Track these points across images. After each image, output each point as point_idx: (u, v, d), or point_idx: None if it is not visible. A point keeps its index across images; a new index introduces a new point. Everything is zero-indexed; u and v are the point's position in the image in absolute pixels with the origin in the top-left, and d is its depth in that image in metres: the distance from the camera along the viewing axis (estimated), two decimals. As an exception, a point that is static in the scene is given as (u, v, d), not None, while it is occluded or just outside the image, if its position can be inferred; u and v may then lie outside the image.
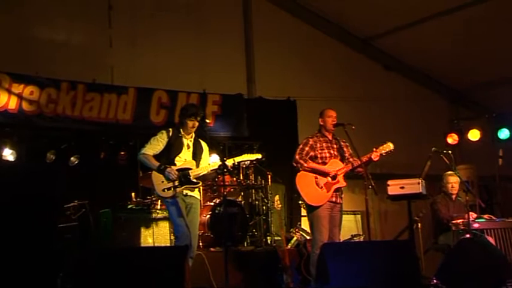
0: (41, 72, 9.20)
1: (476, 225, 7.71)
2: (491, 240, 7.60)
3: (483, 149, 11.78)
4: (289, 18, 11.92)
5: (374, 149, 6.95)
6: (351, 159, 6.99)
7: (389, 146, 6.99)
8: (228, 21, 11.38)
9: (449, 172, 8.25)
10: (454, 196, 8.35)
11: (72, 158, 9.16)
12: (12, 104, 8.96)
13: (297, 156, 6.96)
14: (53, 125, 9.21)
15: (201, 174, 6.65)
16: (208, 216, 8.16)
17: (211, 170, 6.69)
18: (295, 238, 8.87)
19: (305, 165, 6.89)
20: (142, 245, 7.87)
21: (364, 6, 11.33)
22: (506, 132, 11.53)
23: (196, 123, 6.68)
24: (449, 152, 7.88)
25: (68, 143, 9.18)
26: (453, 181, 8.29)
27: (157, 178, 6.54)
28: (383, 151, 6.95)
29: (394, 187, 7.69)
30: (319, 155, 6.97)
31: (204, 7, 11.09)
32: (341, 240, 7.29)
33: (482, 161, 11.74)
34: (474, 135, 11.88)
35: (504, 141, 11.52)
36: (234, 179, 8.91)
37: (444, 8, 10.81)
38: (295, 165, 6.99)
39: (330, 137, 7.11)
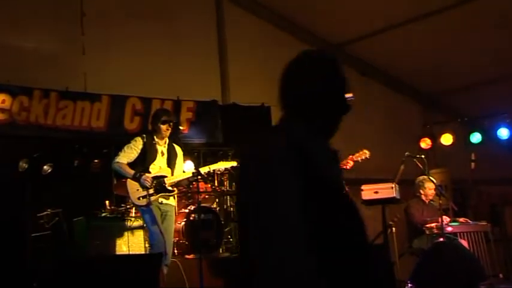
0: (12, 81, 9.07)
1: (449, 228, 7.80)
2: (464, 243, 7.69)
3: (456, 152, 11.89)
4: (263, 25, 11.91)
5: (350, 156, 7.00)
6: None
7: (366, 153, 7.06)
8: (201, 27, 11.34)
9: (426, 177, 8.33)
10: (427, 200, 8.46)
11: (45, 167, 9.04)
12: (-16, 113, 8.87)
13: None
14: (26, 133, 9.10)
15: (175, 182, 6.65)
16: (183, 223, 8.12)
17: (186, 178, 6.71)
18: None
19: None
20: (117, 253, 7.82)
21: (335, 13, 11.39)
22: (478, 136, 11.69)
23: (169, 128, 6.67)
24: (422, 156, 7.96)
25: (41, 151, 9.06)
26: (432, 187, 8.38)
27: (132, 186, 6.52)
28: (359, 158, 7.01)
29: (368, 192, 7.72)
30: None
31: (176, 14, 11.04)
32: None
33: (455, 164, 11.84)
34: (447, 139, 12.00)
35: (476, 144, 11.68)
36: (209, 185, 8.89)
37: (415, 14, 10.88)
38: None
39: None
